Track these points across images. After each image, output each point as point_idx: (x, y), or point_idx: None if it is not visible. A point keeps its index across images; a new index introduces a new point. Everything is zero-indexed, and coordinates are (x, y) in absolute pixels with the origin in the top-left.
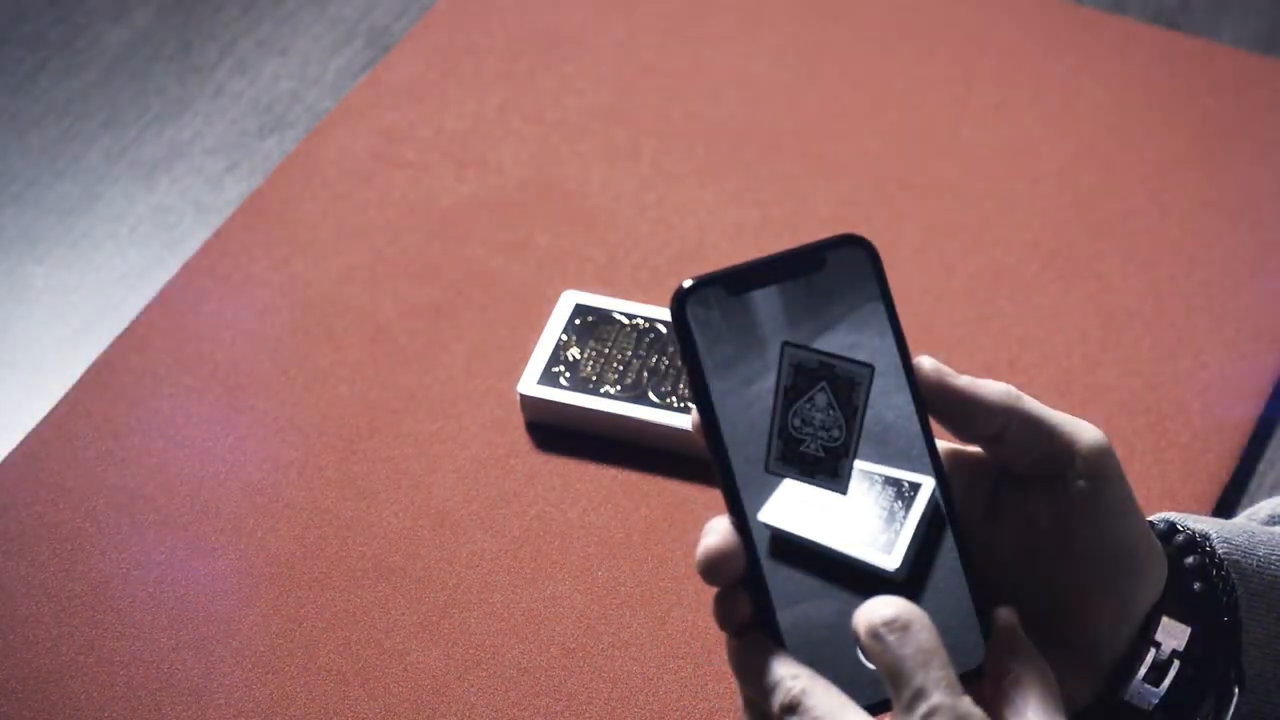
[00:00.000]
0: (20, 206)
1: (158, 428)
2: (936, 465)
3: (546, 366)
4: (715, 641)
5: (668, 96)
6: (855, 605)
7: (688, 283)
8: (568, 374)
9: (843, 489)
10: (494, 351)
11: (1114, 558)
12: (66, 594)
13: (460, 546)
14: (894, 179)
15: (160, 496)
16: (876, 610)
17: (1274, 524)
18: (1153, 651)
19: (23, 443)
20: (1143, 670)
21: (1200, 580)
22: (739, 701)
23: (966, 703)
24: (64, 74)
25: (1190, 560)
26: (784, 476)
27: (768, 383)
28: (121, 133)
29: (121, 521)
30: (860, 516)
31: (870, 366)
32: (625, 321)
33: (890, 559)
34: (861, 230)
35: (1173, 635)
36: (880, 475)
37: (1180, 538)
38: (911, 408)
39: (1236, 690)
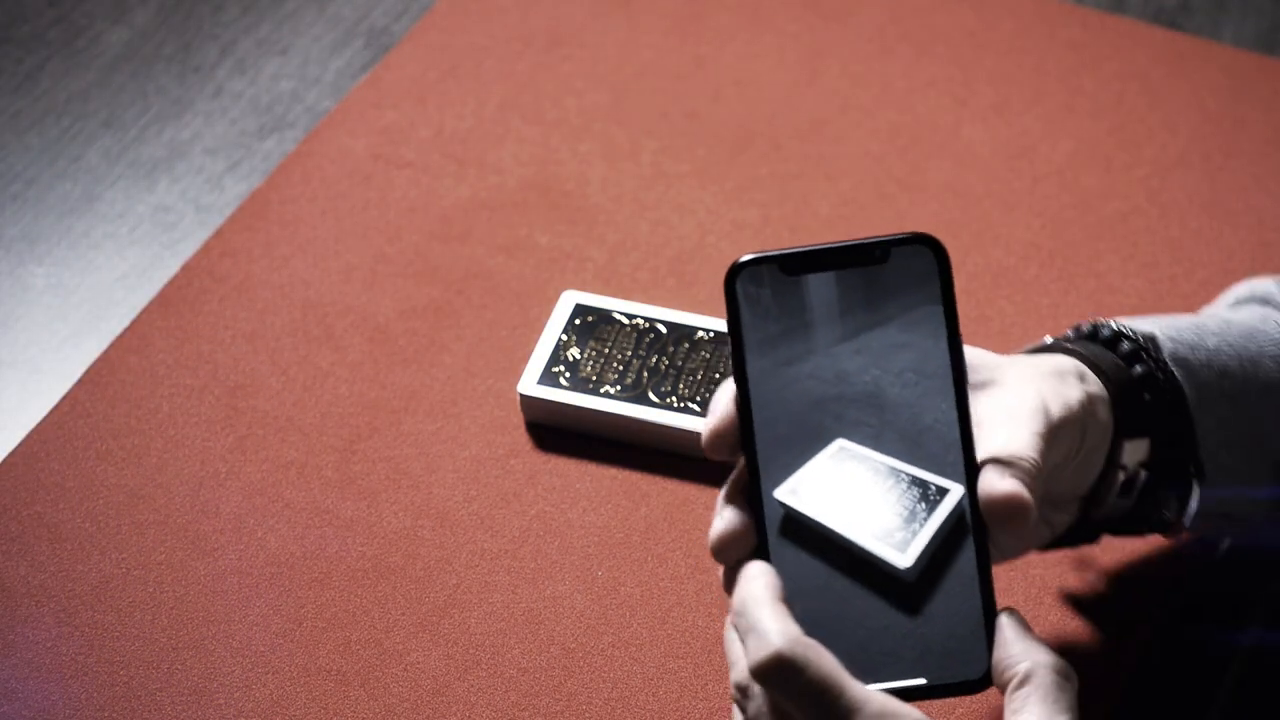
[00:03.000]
0: (20, 206)
1: (158, 428)
2: (971, 477)
3: (546, 366)
4: (715, 641)
5: (668, 96)
6: (860, 595)
7: (744, 258)
8: (568, 374)
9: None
10: (494, 351)
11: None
12: (66, 594)
13: (460, 546)
14: (894, 179)
15: (160, 496)
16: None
17: (1240, 306)
18: (1121, 473)
19: (23, 443)
20: (1114, 491)
21: (1148, 390)
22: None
23: (885, 704)
24: (64, 74)
25: (1138, 369)
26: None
27: (807, 365)
28: (121, 133)
29: (121, 521)
30: (880, 510)
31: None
32: (625, 321)
33: (903, 557)
34: (861, 231)
35: (1135, 452)
36: (908, 474)
37: (1126, 345)
38: (954, 415)
39: (1196, 482)
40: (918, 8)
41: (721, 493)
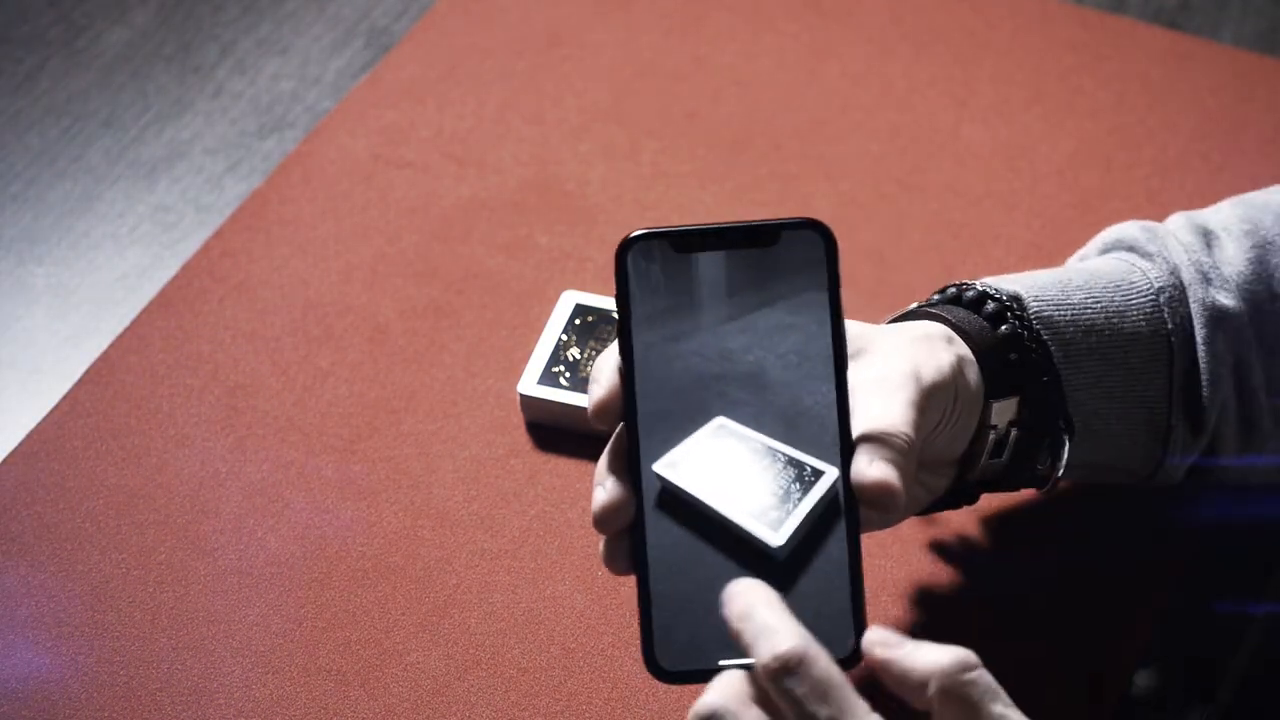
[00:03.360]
0: (20, 206)
1: (158, 428)
2: (846, 461)
3: (546, 366)
4: None
5: (668, 96)
6: (731, 571)
7: (636, 232)
8: (568, 374)
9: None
10: (494, 351)
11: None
12: (66, 594)
13: (460, 546)
14: (894, 179)
15: (160, 496)
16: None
17: (1107, 253)
18: (992, 433)
19: (23, 443)
20: (987, 451)
21: (1015, 349)
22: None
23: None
24: (64, 74)
25: (1003, 329)
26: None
27: (692, 342)
28: (121, 133)
29: (121, 521)
30: (756, 489)
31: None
32: None
33: (775, 535)
34: (861, 230)
35: (1004, 412)
36: (785, 454)
37: (991, 306)
38: (833, 398)
39: (1066, 438)
40: (918, 8)
41: (601, 463)
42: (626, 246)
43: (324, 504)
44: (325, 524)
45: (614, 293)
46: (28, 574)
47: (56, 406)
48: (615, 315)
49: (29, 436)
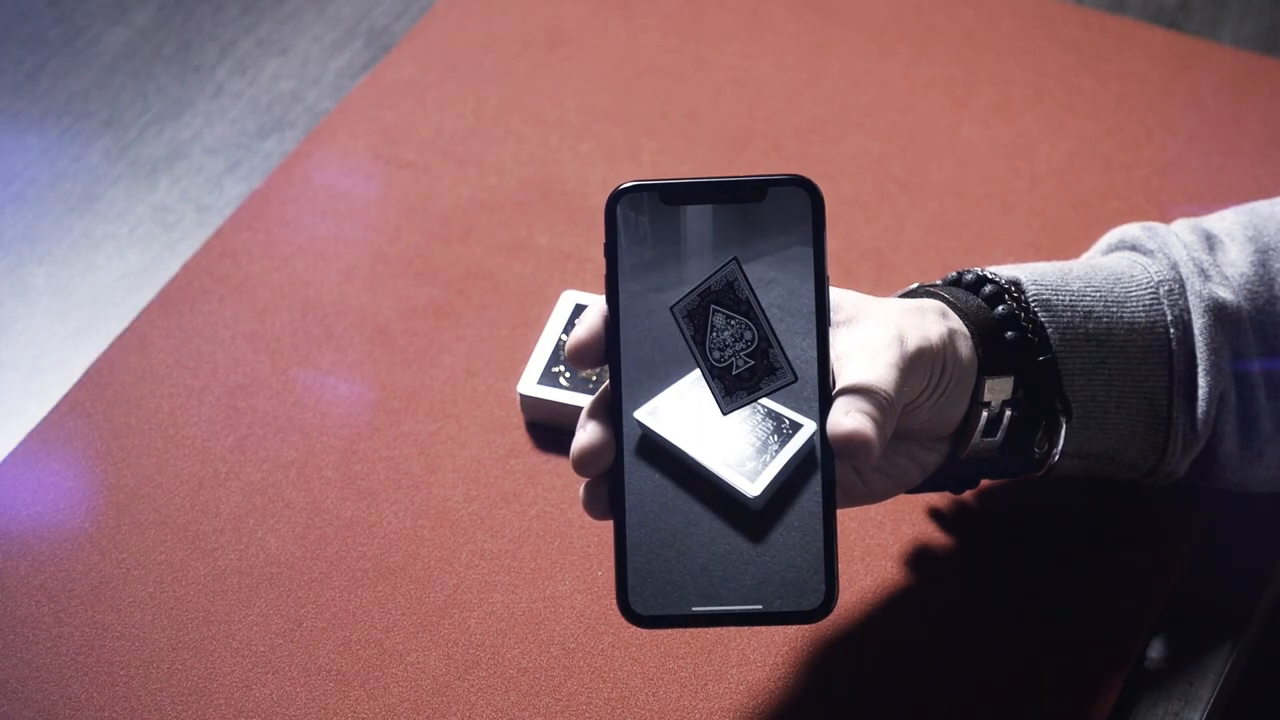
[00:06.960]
0: (20, 206)
1: (158, 428)
2: (824, 415)
3: (546, 366)
4: (715, 641)
5: (668, 96)
6: (707, 519)
7: (626, 184)
8: (568, 374)
9: (790, 376)
10: (494, 351)
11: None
12: (66, 594)
13: (460, 546)
14: (894, 179)
15: (160, 496)
16: None
17: (1111, 253)
18: (985, 411)
19: (23, 443)
20: (980, 428)
21: (1011, 329)
22: None
23: None
24: (64, 74)
25: (1000, 310)
26: (744, 404)
27: (677, 294)
28: (121, 133)
29: (121, 521)
30: (734, 440)
31: (733, 258)
32: None
33: (752, 486)
34: (862, 230)
35: (998, 390)
36: (763, 406)
37: (989, 288)
38: (814, 353)
39: (1063, 420)
40: (918, 8)
41: (584, 409)
42: (616, 198)
43: (324, 504)
44: (325, 524)
45: (604, 244)
46: (28, 574)
47: (56, 406)
48: (605, 266)
49: (29, 436)
